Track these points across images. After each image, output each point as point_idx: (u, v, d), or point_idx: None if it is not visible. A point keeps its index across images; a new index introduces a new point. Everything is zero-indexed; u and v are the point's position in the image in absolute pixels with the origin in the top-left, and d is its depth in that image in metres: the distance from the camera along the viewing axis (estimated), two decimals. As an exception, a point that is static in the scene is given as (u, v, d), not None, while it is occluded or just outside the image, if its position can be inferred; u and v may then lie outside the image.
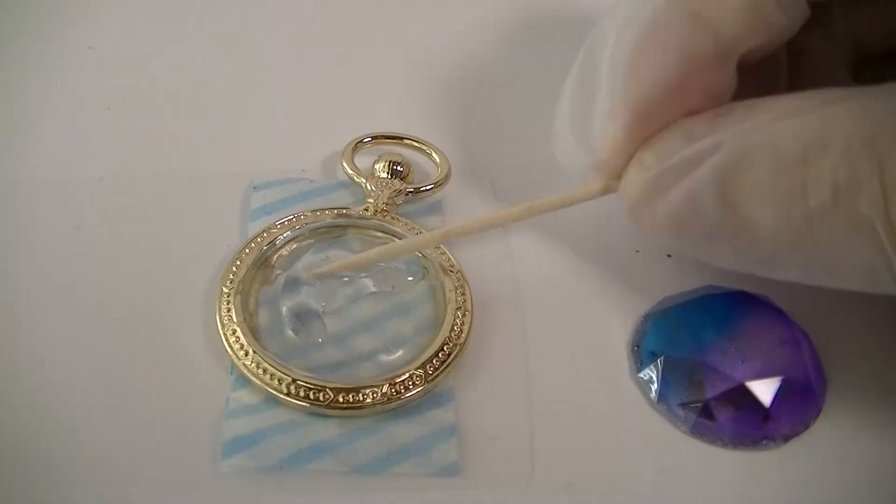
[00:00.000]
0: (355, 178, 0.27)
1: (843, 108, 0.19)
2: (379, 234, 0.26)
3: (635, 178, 0.22)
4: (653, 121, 0.22)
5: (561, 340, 0.24)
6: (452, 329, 0.23)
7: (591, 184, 0.23)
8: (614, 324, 0.25)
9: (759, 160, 0.19)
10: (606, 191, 0.23)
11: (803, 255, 0.19)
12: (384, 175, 0.27)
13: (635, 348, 0.24)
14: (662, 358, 0.23)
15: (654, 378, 0.23)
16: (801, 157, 0.19)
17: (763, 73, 0.23)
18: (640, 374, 0.23)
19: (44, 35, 0.33)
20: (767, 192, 0.19)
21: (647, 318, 0.24)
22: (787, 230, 0.19)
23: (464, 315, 0.23)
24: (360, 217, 0.26)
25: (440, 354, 0.22)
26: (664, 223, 0.21)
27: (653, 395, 0.23)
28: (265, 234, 0.25)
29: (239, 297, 0.23)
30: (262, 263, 0.25)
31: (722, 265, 0.22)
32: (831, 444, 0.22)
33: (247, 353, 0.22)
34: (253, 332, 0.23)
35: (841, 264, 0.19)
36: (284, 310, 0.23)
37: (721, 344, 0.23)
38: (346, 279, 0.24)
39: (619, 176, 0.22)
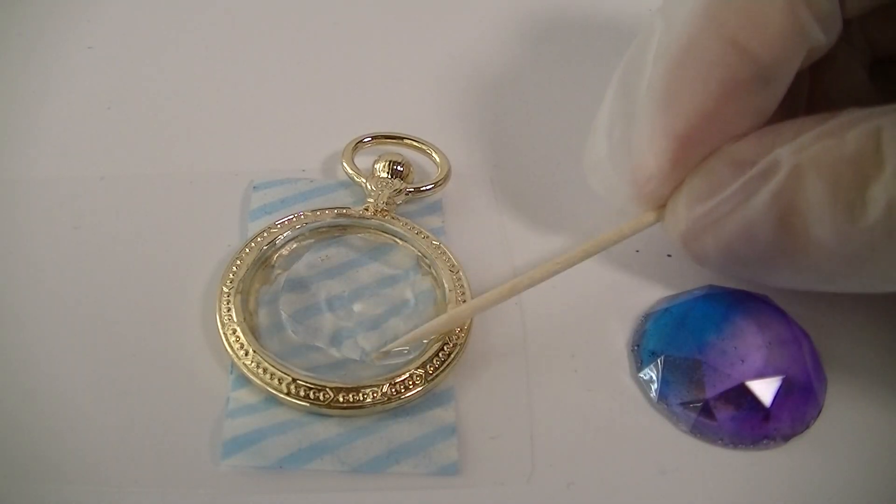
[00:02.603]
0: (355, 177, 0.27)
1: (892, 125, 0.18)
2: (379, 234, 0.26)
3: (686, 208, 0.21)
4: (696, 148, 0.21)
5: (561, 340, 0.24)
6: (452, 329, 0.23)
7: (643, 216, 0.23)
8: (614, 324, 0.25)
9: (816, 180, 0.19)
10: (659, 220, 0.23)
11: (863, 271, 0.19)
12: (384, 175, 0.27)
13: (635, 348, 0.24)
14: (662, 357, 0.23)
15: (655, 377, 0.23)
16: (859, 175, 0.18)
17: None
18: (641, 374, 0.23)
19: (44, 35, 0.33)
20: (826, 212, 0.19)
21: (647, 317, 0.24)
22: (845, 248, 0.19)
23: (464, 314, 0.23)
24: (360, 217, 0.26)
25: (440, 354, 0.22)
26: (718, 252, 0.21)
27: (653, 394, 0.23)
28: (265, 234, 0.25)
29: (239, 296, 0.23)
30: (263, 263, 0.25)
31: (778, 285, 0.22)
32: (831, 443, 0.22)
33: (247, 353, 0.22)
34: (253, 331, 0.23)
35: None
36: (284, 315, 0.23)
37: (721, 343, 0.23)
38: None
39: (664, 205, 0.22)
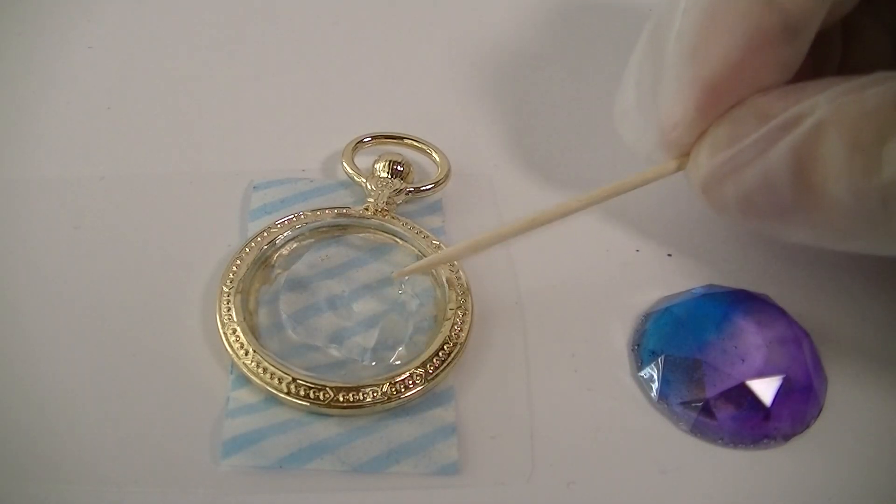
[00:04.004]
0: (355, 177, 0.27)
1: None
2: (379, 234, 0.26)
3: (707, 156, 0.22)
4: (722, 98, 0.22)
5: (561, 339, 0.24)
6: (452, 328, 0.23)
7: (665, 163, 0.23)
8: (614, 323, 0.25)
9: (836, 136, 0.19)
10: (681, 168, 0.23)
11: (878, 230, 0.19)
12: (384, 175, 0.27)
13: (636, 347, 0.24)
14: (663, 357, 0.23)
15: (655, 377, 0.23)
16: (877, 133, 0.19)
17: (817, 47, 0.23)
18: (641, 373, 0.23)
19: (44, 35, 0.33)
20: (843, 168, 0.19)
21: (648, 317, 0.24)
22: (861, 206, 0.19)
23: (464, 314, 0.23)
24: (360, 216, 0.26)
25: (440, 353, 0.22)
26: (737, 201, 0.21)
27: (653, 393, 0.23)
28: (265, 234, 0.25)
29: (239, 296, 0.23)
30: (263, 263, 0.25)
31: (794, 241, 0.22)
32: (832, 442, 0.22)
33: (247, 353, 0.22)
34: (253, 331, 0.23)
35: None
36: (284, 314, 0.23)
37: (721, 343, 0.23)
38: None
39: (688, 153, 0.23)
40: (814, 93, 0.20)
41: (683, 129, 0.22)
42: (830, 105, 0.19)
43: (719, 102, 0.22)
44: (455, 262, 0.25)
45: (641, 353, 0.23)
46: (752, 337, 0.23)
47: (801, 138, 0.20)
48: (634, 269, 0.26)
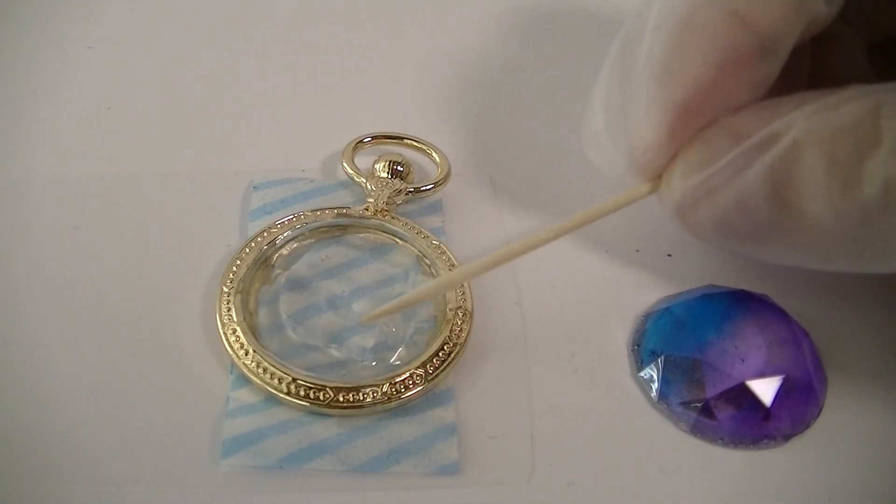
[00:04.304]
0: (355, 177, 0.27)
1: (892, 102, 0.18)
2: (379, 234, 0.26)
3: (681, 179, 0.21)
4: (694, 119, 0.21)
5: (561, 340, 0.24)
6: (452, 328, 0.23)
7: (638, 187, 0.23)
8: (614, 323, 0.25)
9: (813, 154, 0.19)
10: (654, 190, 0.23)
11: (858, 250, 0.19)
12: (384, 175, 0.27)
13: (635, 347, 0.24)
14: (663, 357, 0.23)
15: (655, 377, 0.23)
16: (856, 149, 0.18)
17: (788, 59, 0.22)
18: (641, 373, 0.23)
19: (44, 35, 0.33)
20: (822, 187, 0.19)
21: (648, 317, 0.24)
22: (841, 224, 0.19)
23: (464, 314, 0.23)
24: (360, 217, 0.26)
25: (440, 354, 0.22)
26: (714, 224, 0.21)
27: (653, 394, 0.23)
28: (265, 234, 0.25)
29: (239, 296, 0.23)
30: (263, 263, 0.25)
31: (773, 262, 0.22)
32: (832, 443, 0.22)
33: (247, 353, 0.22)
34: (253, 331, 0.23)
35: None
36: (284, 314, 0.23)
37: (721, 343, 0.23)
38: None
39: (660, 175, 0.22)
40: (788, 110, 0.20)
41: (655, 153, 0.22)
42: (806, 122, 0.19)
43: (691, 124, 0.21)
44: (455, 263, 0.25)
45: (641, 353, 0.23)
46: (752, 337, 0.23)
47: (778, 157, 0.19)
48: (634, 269, 0.26)
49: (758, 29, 0.20)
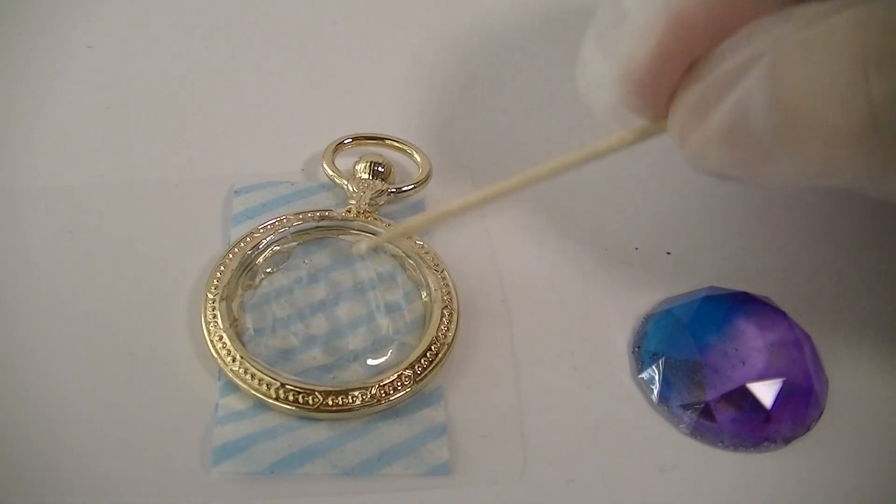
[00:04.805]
0: (336, 179, 0.27)
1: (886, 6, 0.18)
2: (362, 235, 0.26)
3: (680, 102, 0.21)
4: (691, 38, 0.20)
5: (558, 337, 0.24)
6: (439, 328, 0.23)
7: (624, 131, 0.22)
8: (614, 324, 0.24)
9: (816, 52, 0.18)
10: (641, 136, 0.22)
11: (867, 154, 0.18)
12: (365, 176, 0.27)
13: (636, 349, 0.24)
14: (663, 359, 0.23)
15: (656, 379, 0.23)
16: (863, 44, 0.18)
17: None
18: (642, 375, 0.23)
19: (44, 35, 0.32)
20: (826, 86, 0.18)
21: (648, 319, 0.24)
22: (848, 125, 0.18)
23: (450, 314, 0.23)
24: (343, 219, 0.26)
25: (428, 354, 0.22)
26: (717, 142, 0.20)
27: (654, 395, 0.23)
28: (248, 239, 0.25)
29: (224, 302, 0.23)
30: (246, 268, 0.25)
31: (780, 182, 0.21)
32: (832, 445, 0.22)
33: (234, 359, 0.22)
34: (239, 337, 0.23)
35: None
36: (269, 319, 0.23)
37: (722, 345, 0.23)
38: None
39: (650, 105, 0.21)
40: (783, 21, 0.19)
41: (649, 69, 0.21)
42: (810, 24, 0.18)
43: (688, 42, 0.20)
44: (439, 262, 0.25)
45: (642, 354, 0.23)
46: (752, 339, 0.23)
47: (778, 57, 0.19)
48: (634, 269, 0.26)
49: None
